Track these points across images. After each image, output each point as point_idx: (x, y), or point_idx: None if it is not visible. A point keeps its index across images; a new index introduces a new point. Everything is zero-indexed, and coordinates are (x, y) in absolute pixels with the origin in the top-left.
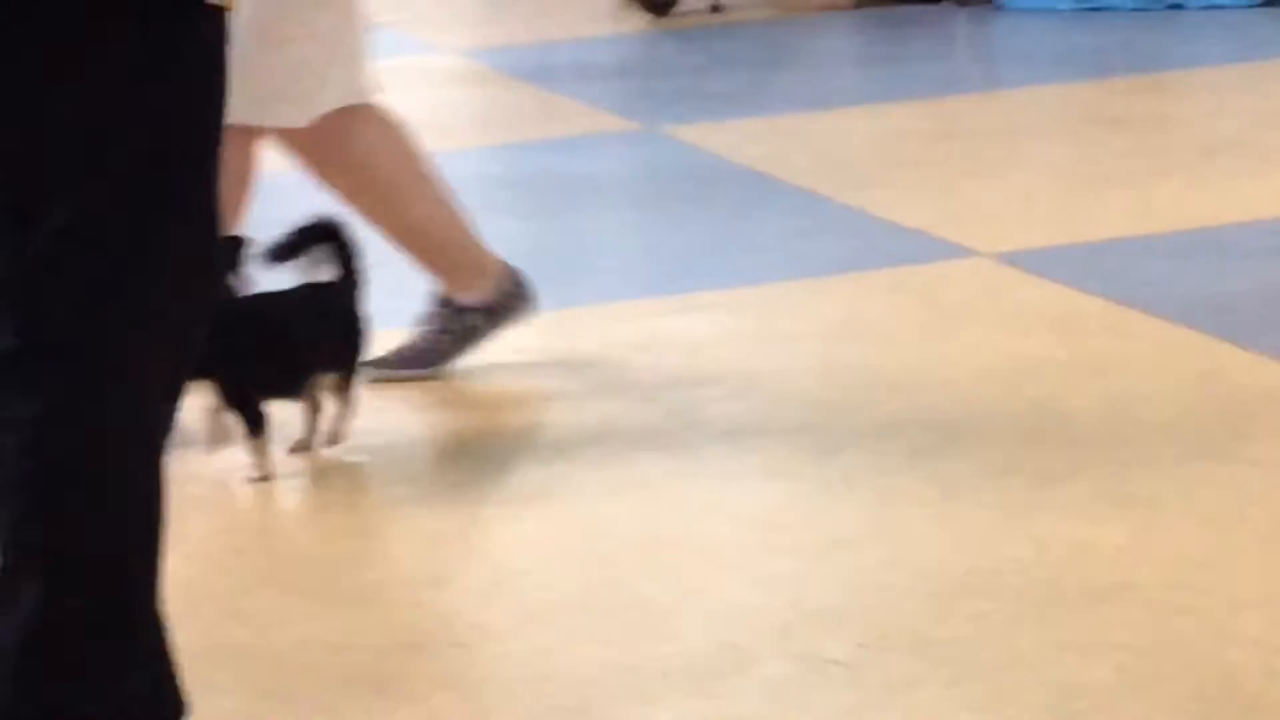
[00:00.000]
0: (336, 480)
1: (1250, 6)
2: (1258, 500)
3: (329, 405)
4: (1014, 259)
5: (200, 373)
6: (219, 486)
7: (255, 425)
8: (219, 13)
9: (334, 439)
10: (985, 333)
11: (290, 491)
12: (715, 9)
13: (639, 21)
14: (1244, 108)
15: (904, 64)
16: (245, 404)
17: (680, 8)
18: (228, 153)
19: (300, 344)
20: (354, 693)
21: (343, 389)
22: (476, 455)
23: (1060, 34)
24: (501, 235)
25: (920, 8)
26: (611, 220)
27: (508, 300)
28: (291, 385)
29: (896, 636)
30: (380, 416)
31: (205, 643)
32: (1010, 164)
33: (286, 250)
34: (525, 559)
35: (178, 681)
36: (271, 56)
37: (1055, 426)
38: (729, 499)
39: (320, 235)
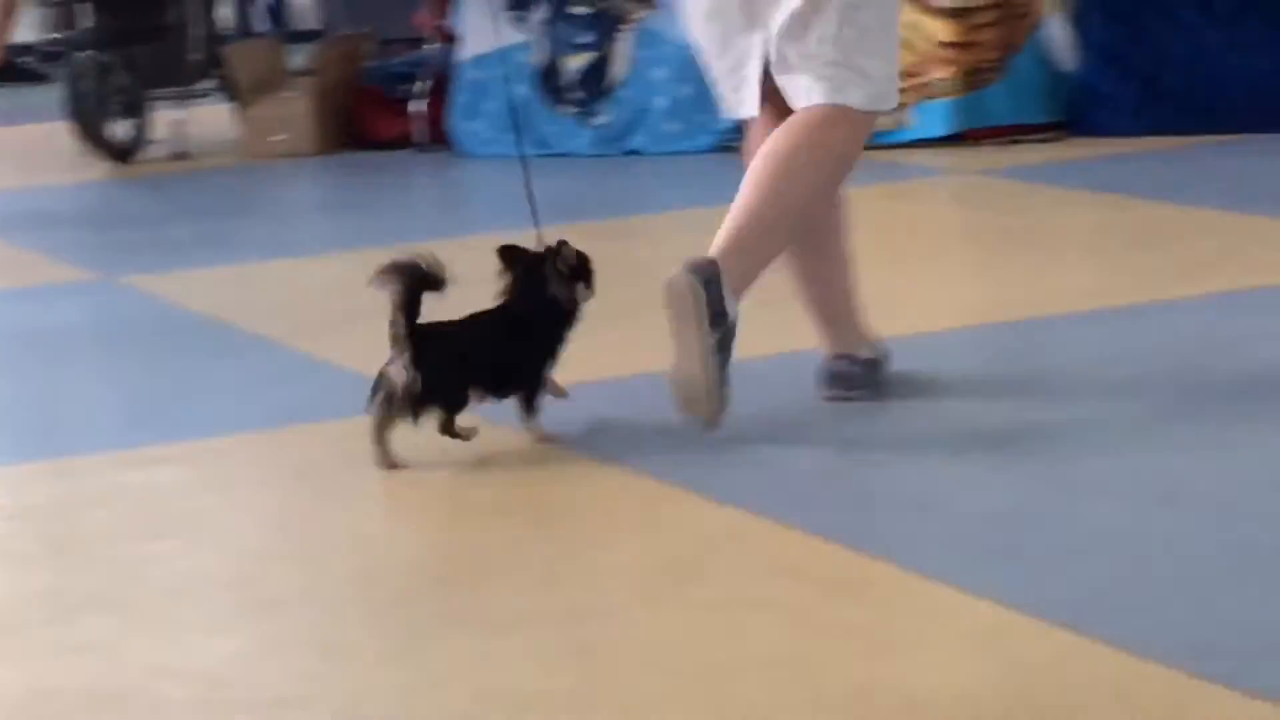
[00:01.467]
0: None
1: (703, 152)
2: (701, 640)
3: None
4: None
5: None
6: None
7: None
8: None
9: None
10: (435, 480)
11: None
12: (179, 156)
13: (100, 169)
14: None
15: (368, 211)
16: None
17: (143, 155)
18: None
19: None
20: None
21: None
22: None
23: (520, 180)
24: None
25: (383, 155)
26: (69, 373)
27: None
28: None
29: None
30: None
31: None
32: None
33: None
34: None
35: None
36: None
37: (504, 571)
38: (175, 656)
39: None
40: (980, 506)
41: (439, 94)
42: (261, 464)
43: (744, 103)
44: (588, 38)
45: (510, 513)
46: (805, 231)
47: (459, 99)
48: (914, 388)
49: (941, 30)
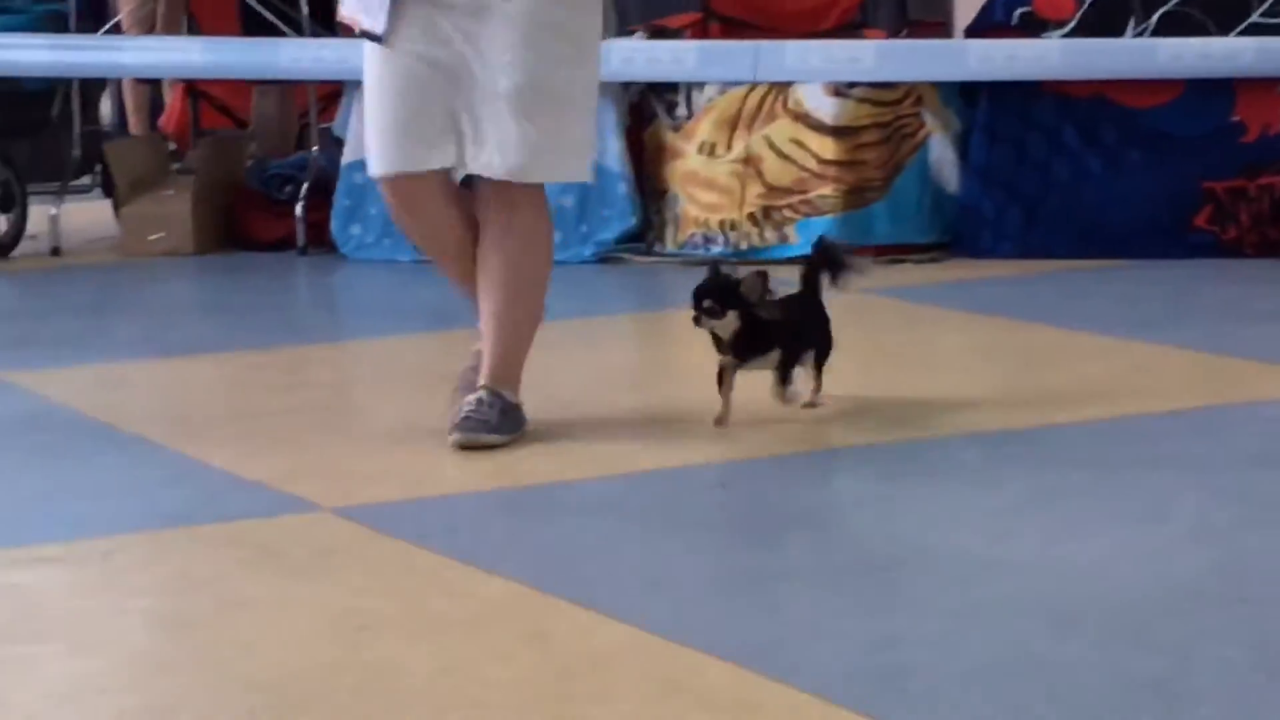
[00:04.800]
0: None
1: (583, 262)
2: None
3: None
4: (355, 513)
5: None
6: None
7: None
8: None
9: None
10: (320, 589)
11: None
12: (55, 252)
13: None
14: (584, 365)
15: (247, 312)
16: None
17: (18, 250)
18: None
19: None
20: None
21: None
22: None
23: (402, 285)
24: None
25: (263, 255)
26: None
27: None
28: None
29: None
30: None
31: None
32: (353, 417)
33: None
34: None
35: None
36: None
37: (388, 686)
38: None
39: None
40: (868, 631)
41: (322, 197)
42: (145, 567)
43: None
44: None
45: (392, 625)
46: None
47: (341, 203)
48: (800, 510)
49: (825, 148)
